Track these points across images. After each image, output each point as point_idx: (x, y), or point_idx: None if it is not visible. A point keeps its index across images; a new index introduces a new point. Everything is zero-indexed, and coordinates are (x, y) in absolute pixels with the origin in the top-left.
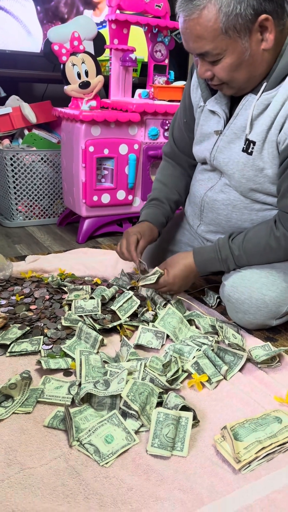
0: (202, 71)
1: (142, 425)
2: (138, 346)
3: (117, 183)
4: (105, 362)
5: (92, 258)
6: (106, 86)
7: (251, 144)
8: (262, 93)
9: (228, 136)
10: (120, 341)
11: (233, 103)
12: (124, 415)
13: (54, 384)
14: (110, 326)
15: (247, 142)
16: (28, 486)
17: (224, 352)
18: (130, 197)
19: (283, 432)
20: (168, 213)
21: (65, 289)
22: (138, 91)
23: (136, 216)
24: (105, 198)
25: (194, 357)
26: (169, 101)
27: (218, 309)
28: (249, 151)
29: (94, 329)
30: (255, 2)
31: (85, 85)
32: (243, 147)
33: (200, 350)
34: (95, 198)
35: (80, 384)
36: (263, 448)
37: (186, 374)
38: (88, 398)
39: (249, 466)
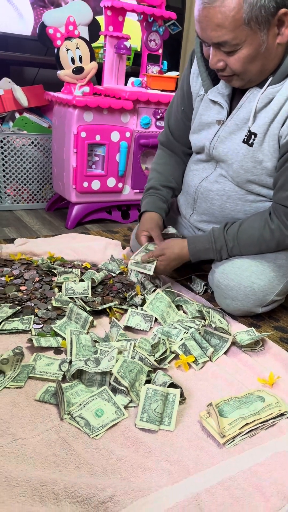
0: (215, 61)
1: (131, 401)
2: (127, 328)
3: (107, 170)
4: (95, 341)
5: (81, 243)
6: (99, 73)
7: (253, 135)
8: (267, 87)
9: (230, 127)
10: (110, 323)
11: (233, 95)
12: (114, 391)
13: (45, 361)
14: (100, 308)
15: (249, 133)
16: (20, 455)
17: (210, 335)
18: (120, 185)
19: (265, 410)
20: (166, 197)
21: (55, 271)
22: (131, 79)
23: (126, 204)
24: (95, 185)
25: (182, 339)
26: (162, 90)
27: (205, 296)
28: (250, 142)
29: (85, 310)
30: None
31: (78, 70)
32: (244, 138)
33: (187, 333)
34: (85, 184)
35: (70, 362)
36: (246, 424)
37: (173, 355)
38: (78, 375)
39: (233, 441)
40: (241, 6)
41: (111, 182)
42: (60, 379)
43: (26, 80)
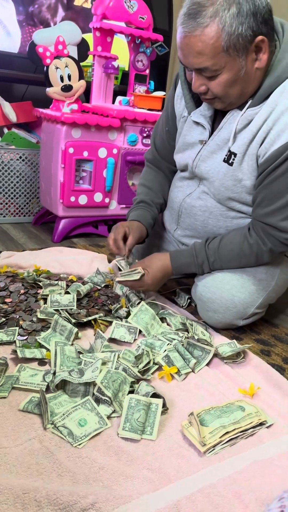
0: (197, 85)
1: (114, 411)
2: (112, 340)
3: (94, 185)
4: (79, 353)
5: (67, 256)
6: (87, 91)
7: (233, 155)
8: (246, 109)
9: (211, 147)
10: (94, 335)
11: (215, 116)
12: (97, 401)
13: (29, 372)
14: (85, 320)
15: (229, 153)
16: (3, 464)
17: (193, 347)
18: (106, 200)
19: (245, 419)
20: (155, 215)
21: (41, 284)
22: (119, 98)
23: (112, 219)
24: (82, 199)
25: (165, 350)
26: (149, 109)
27: (188, 309)
28: (230, 161)
29: (70, 322)
30: (254, 24)
31: (67, 88)
32: (225, 158)
33: (170, 344)
34: (72, 198)
35: (55, 373)
36: (227, 432)
37: (156, 366)
38: (62, 385)
39: (213, 449)
40: (220, 34)
41: (98, 197)
42: (44, 389)
43: (15, 97)
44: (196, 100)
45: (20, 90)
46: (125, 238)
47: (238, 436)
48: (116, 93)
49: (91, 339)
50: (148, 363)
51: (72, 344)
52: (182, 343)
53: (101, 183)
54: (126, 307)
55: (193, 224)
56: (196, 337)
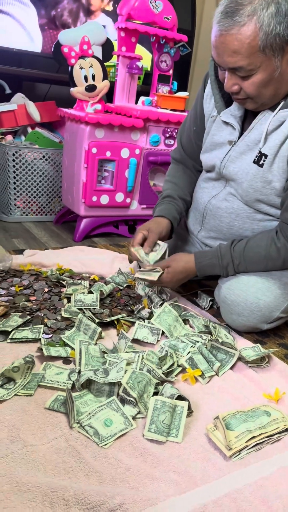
0: (230, 85)
1: (139, 412)
2: (134, 340)
3: (116, 185)
4: (103, 352)
5: (89, 256)
6: (110, 91)
7: (263, 156)
8: (279, 110)
9: (241, 147)
10: (117, 335)
11: (245, 117)
12: (123, 401)
13: (54, 370)
14: (108, 320)
15: (259, 154)
16: (31, 461)
17: (217, 350)
18: (128, 200)
19: (271, 425)
20: (181, 209)
21: (64, 283)
22: (142, 98)
23: (133, 219)
24: (104, 199)
25: (189, 352)
26: (172, 110)
27: (211, 312)
28: (260, 163)
29: (93, 321)
30: None
31: (91, 88)
32: (255, 159)
33: (194, 347)
34: (94, 198)
35: (79, 372)
36: (253, 437)
37: (180, 369)
38: (87, 385)
39: (239, 454)
40: (257, 34)
41: (119, 197)
42: (70, 387)
43: (38, 96)
44: (226, 99)
45: (43, 90)
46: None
47: (264, 441)
48: (139, 94)
49: (115, 339)
50: (172, 365)
51: (96, 344)
52: (205, 346)
53: (123, 183)
54: (148, 308)
55: (218, 226)
56: (220, 340)
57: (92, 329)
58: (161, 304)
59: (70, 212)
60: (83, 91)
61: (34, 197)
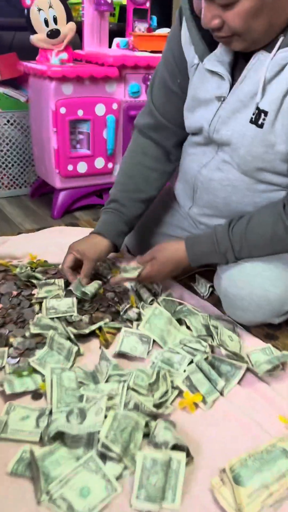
0: (209, 18)
1: (125, 467)
2: (121, 354)
3: (94, 150)
4: (81, 382)
5: (68, 238)
6: (80, 34)
7: (262, 114)
8: (277, 50)
9: (232, 104)
10: (100, 347)
11: (235, 62)
12: (104, 456)
13: (20, 413)
14: (87, 331)
15: (257, 111)
16: None
17: (220, 361)
18: (110, 165)
19: None
20: (131, 217)
21: (36, 283)
22: (116, 40)
23: None
24: (82, 167)
25: (185, 370)
26: (152, 52)
27: (211, 300)
28: (259, 122)
29: (69, 338)
30: None
31: (54, 33)
32: (252, 118)
33: (192, 360)
34: (69, 167)
35: (51, 412)
36: (270, 494)
37: (176, 392)
38: (59, 434)
39: None
40: None
41: (99, 162)
42: (38, 439)
43: (2, 46)
44: (209, 41)
45: (7, 39)
46: (79, 262)
47: (285, 497)
48: (114, 34)
49: (96, 354)
50: (166, 392)
51: (72, 366)
52: (206, 356)
53: (102, 146)
54: (136, 306)
55: (212, 201)
56: (222, 350)
57: (67, 348)
58: (151, 302)
59: (48, 183)
60: (44, 38)
61: (4, 169)
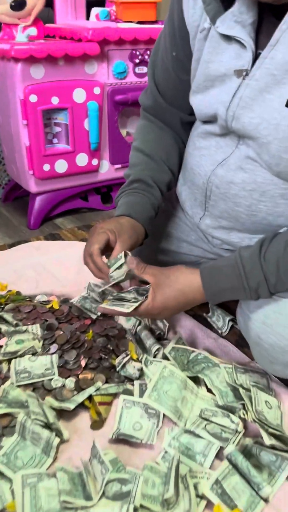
0: None
1: None
2: (120, 437)
3: (74, 144)
4: (65, 502)
5: (47, 256)
6: (52, 5)
7: None
8: None
9: (259, 80)
10: (91, 426)
11: (259, 24)
12: None
13: None
14: (72, 407)
15: None
16: None
17: (260, 448)
18: (94, 162)
19: None
20: (158, 201)
21: (3, 329)
22: (95, 10)
23: (106, 185)
24: (61, 166)
25: (217, 477)
26: (139, 23)
27: (231, 338)
28: None
29: (46, 423)
30: None
31: (19, 4)
32: None
33: (223, 450)
34: (46, 167)
35: None
36: None
37: (204, 505)
38: None
39: None
40: None
41: (81, 159)
42: None
43: None
44: None
45: None
46: (109, 247)
47: None
48: (92, 3)
49: (85, 442)
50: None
51: (53, 462)
52: (241, 443)
53: (84, 139)
54: (137, 358)
55: (231, 211)
56: (266, 439)
57: (44, 439)
58: (157, 351)
59: None
60: (8, 11)
61: None
